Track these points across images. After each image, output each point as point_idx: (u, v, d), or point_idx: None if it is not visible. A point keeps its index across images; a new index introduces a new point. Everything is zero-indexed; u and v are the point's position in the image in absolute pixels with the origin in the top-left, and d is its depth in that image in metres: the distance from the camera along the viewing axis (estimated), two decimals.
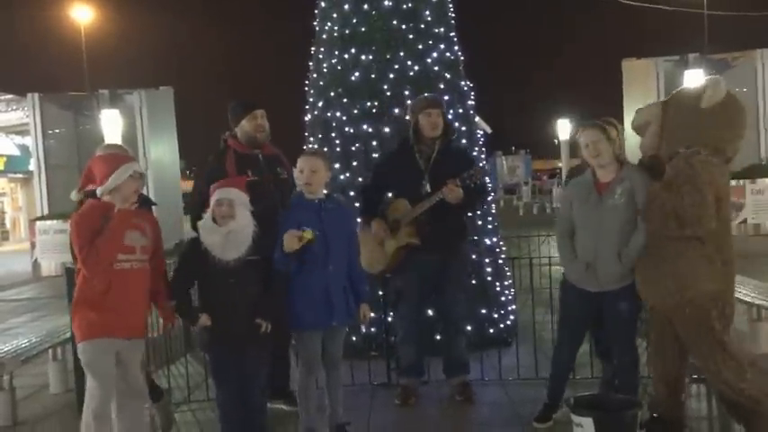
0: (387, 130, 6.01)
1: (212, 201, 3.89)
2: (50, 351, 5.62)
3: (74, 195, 4.20)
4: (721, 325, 3.82)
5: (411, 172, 4.84)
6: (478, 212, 5.97)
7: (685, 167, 3.81)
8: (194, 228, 4.07)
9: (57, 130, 16.48)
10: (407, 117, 5.06)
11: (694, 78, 13.26)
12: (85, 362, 3.73)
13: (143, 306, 3.91)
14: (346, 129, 6.14)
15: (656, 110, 4.16)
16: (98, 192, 3.76)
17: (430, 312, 5.25)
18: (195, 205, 4.51)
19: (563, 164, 25.01)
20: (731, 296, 3.99)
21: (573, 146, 23.14)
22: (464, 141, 6.28)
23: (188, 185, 12.54)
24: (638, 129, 4.26)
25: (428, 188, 4.76)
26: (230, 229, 3.82)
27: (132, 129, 15.42)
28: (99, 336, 3.68)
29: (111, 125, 15.13)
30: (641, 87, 14.22)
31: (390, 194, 5.06)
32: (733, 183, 11.25)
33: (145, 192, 7.58)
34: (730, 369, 3.79)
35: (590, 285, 4.21)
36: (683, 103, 4.06)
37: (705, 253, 3.81)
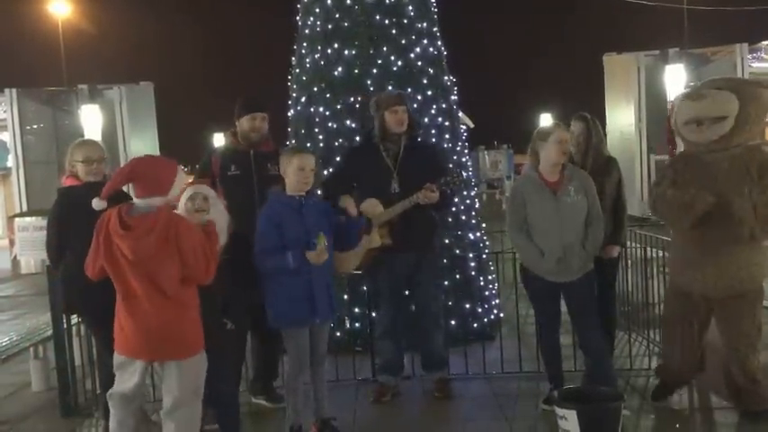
0: (370, 125, 6.00)
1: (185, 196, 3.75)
2: (32, 349, 5.57)
3: (100, 205, 3.54)
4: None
5: (379, 170, 4.74)
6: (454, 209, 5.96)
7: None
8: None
9: (35, 126, 16.29)
10: (372, 113, 4.90)
11: (675, 73, 13.28)
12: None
13: None
14: (329, 124, 6.13)
15: (733, 106, 4.04)
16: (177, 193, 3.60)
17: (410, 309, 5.14)
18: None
19: None
20: None
21: None
22: (447, 136, 6.29)
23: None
24: (703, 118, 4.10)
25: (396, 187, 4.65)
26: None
27: (112, 124, 15.26)
28: None
29: (90, 121, 14.99)
30: (622, 82, 14.21)
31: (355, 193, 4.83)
32: None
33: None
34: (754, 353, 4.15)
35: (559, 277, 4.34)
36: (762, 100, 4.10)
37: (761, 244, 4.10)
